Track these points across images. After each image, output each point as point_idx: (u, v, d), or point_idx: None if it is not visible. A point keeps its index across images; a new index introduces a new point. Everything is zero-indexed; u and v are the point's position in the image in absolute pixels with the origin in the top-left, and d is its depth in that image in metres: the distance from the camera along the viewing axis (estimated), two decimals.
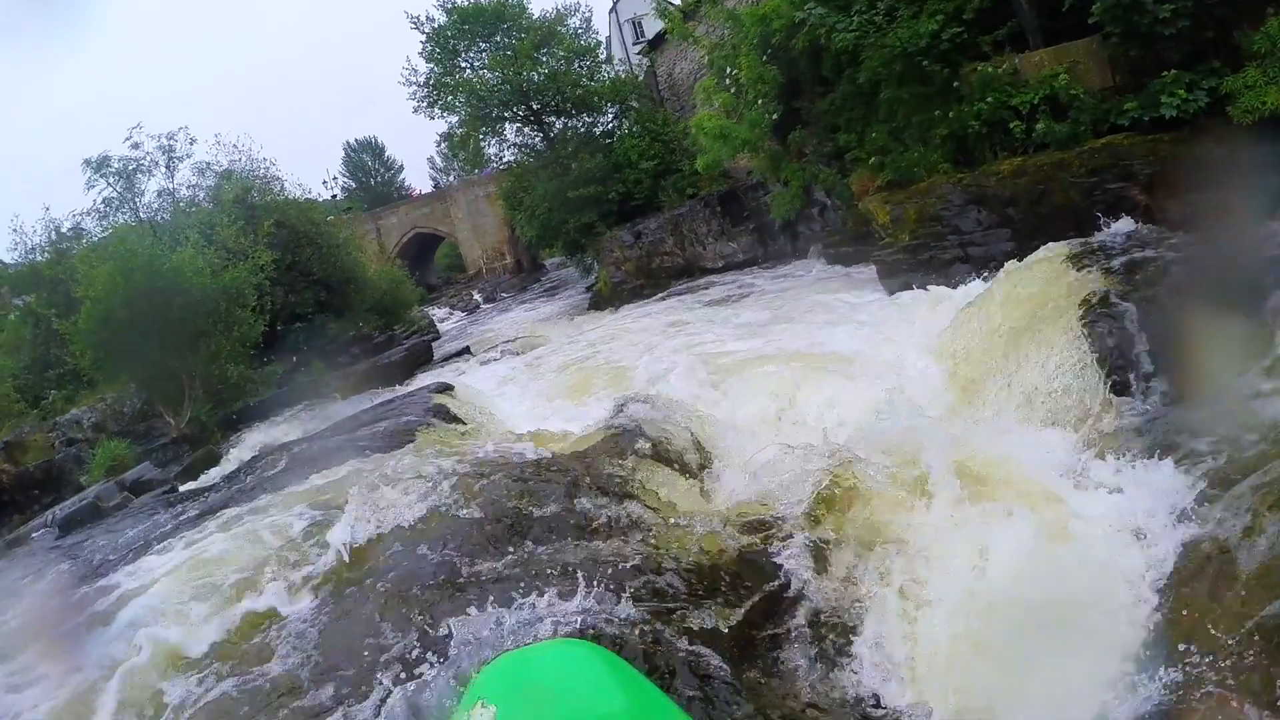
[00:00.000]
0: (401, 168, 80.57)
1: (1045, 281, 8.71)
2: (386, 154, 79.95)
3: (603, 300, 27.80)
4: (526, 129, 33.68)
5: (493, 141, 34.39)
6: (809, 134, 18.71)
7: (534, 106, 32.35)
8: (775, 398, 9.66)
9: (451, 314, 45.08)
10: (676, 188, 29.09)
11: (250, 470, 10.24)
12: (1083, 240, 9.63)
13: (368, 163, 79.76)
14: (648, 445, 7.21)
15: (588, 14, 33.70)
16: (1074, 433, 6.86)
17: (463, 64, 32.63)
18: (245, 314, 18.58)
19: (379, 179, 78.90)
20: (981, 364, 8.66)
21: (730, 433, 8.32)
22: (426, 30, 32.30)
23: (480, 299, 48.31)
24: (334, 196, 64.86)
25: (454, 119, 33.14)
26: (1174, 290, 7.34)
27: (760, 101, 18.71)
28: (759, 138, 19.08)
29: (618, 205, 30.02)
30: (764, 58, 18.64)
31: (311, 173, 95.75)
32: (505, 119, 33.08)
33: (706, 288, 22.93)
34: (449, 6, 31.95)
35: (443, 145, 34.66)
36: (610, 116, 33.60)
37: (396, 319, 31.60)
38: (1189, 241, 8.53)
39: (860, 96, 16.25)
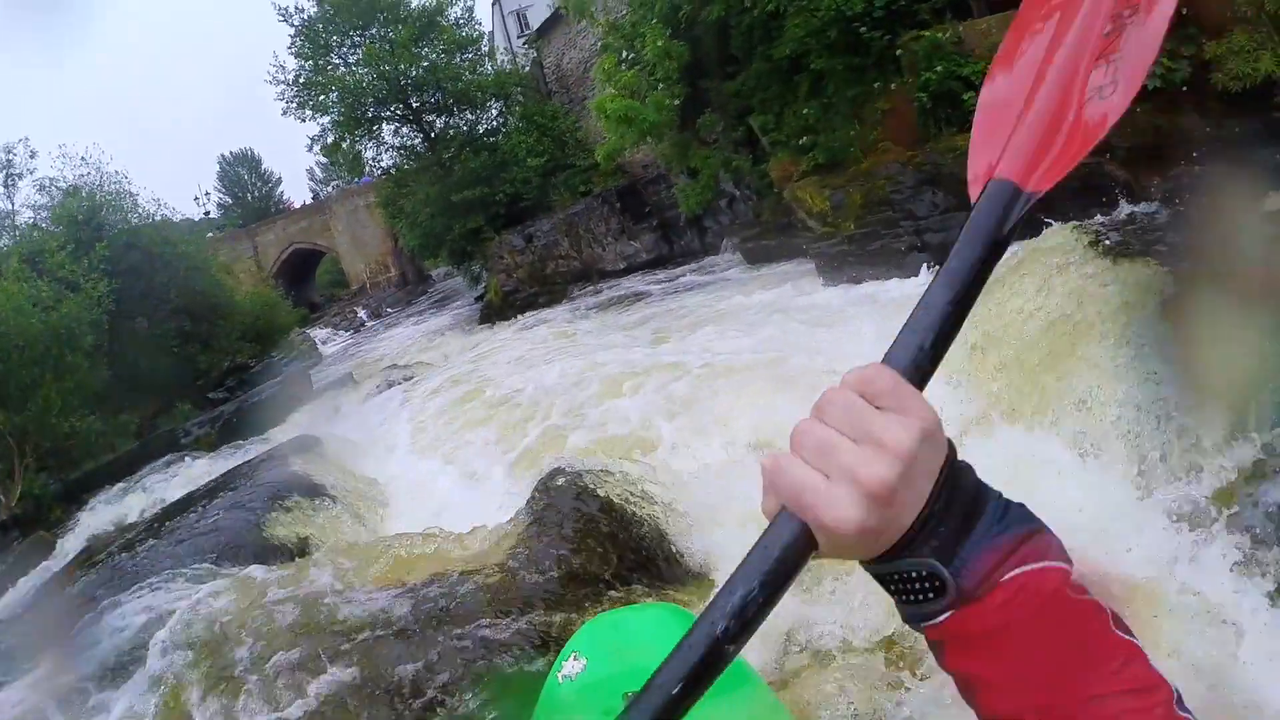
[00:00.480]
0: (279, 180, 75.65)
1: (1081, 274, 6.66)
2: (264, 166, 75.16)
3: (494, 312, 25.02)
4: (405, 129, 30.88)
5: (369, 145, 31.23)
6: (718, 118, 16.53)
7: (413, 104, 29.64)
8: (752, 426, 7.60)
9: (335, 334, 42.35)
10: (569, 185, 26.47)
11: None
12: (1091, 221, 8.21)
13: (244, 176, 74.81)
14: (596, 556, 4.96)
15: (469, 3, 31.01)
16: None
17: (335, 60, 29.57)
18: (78, 358, 15.62)
19: (256, 194, 73.84)
20: (1008, 376, 6.57)
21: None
22: (295, 23, 29.34)
23: (365, 316, 45.40)
24: (207, 214, 61.45)
25: (326, 120, 30.06)
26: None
27: (664, 84, 16.53)
28: (665, 123, 16.79)
29: (505, 207, 27.22)
30: (669, 34, 16.57)
31: (185, 189, 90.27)
32: (383, 119, 30.27)
33: (612, 291, 20.72)
34: None
35: (315, 150, 31.28)
36: (495, 113, 31.09)
37: (273, 345, 28.78)
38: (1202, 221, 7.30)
39: (776, 74, 14.37)
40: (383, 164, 31.66)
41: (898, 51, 12.25)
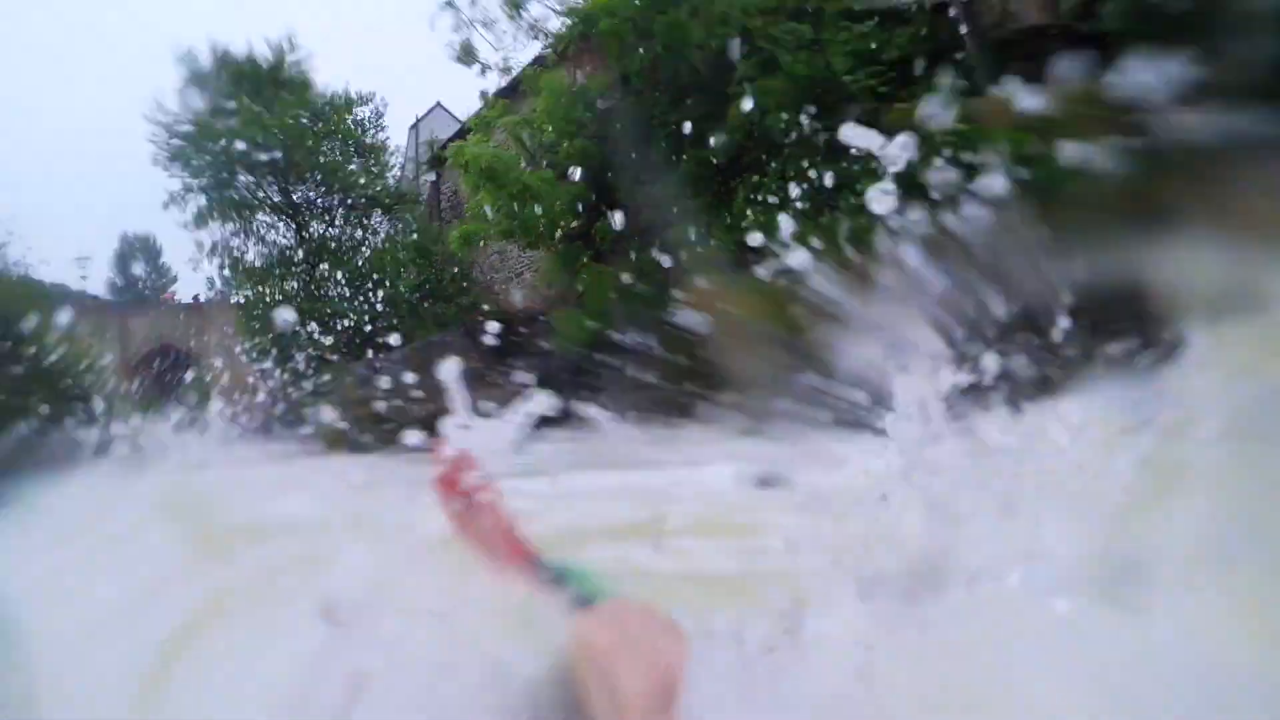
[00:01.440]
0: (176, 278, 68.32)
1: None
2: (162, 259, 68.71)
3: (331, 444, 19.13)
4: (280, 224, 26.23)
5: (249, 243, 26.52)
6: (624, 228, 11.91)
7: (291, 195, 25.18)
8: None
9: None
10: (439, 318, 21.66)
11: None
12: None
13: (141, 261, 68.17)
14: None
15: (380, 108, 27.01)
16: None
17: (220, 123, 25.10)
18: None
19: (149, 284, 67.33)
20: None
21: None
22: (189, 71, 25.12)
23: (221, 428, 38.81)
24: (83, 277, 55.75)
25: (189, 176, 25.33)
26: None
27: (568, 158, 12.00)
28: (556, 216, 12.01)
29: (368, 330, 22.25)
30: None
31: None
32: (256, 205, 25.61)
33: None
34: (220, 54, 24.96)
35: (171, 208, 26.33)
36: (380, 226, 26.53)
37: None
38: None
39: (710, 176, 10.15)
40: (248, 258, 26.84)
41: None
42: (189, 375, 50.79)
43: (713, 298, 9.59)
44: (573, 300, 13.36)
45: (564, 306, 13.74)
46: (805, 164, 8.93)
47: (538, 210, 12.06)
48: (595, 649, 0.89)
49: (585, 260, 12.27)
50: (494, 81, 15.43)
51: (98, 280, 65.90)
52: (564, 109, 12.21)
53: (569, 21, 13.20)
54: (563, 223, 12.16)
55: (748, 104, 8.89)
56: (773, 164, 9.47)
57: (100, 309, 47.62)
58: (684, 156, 10.89)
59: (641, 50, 11.21)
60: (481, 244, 20.81)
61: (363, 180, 25.49)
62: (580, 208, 12.23)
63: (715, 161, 10.38)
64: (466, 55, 13.98)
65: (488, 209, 12.58)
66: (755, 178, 9.51)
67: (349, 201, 25.51)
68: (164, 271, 68.75)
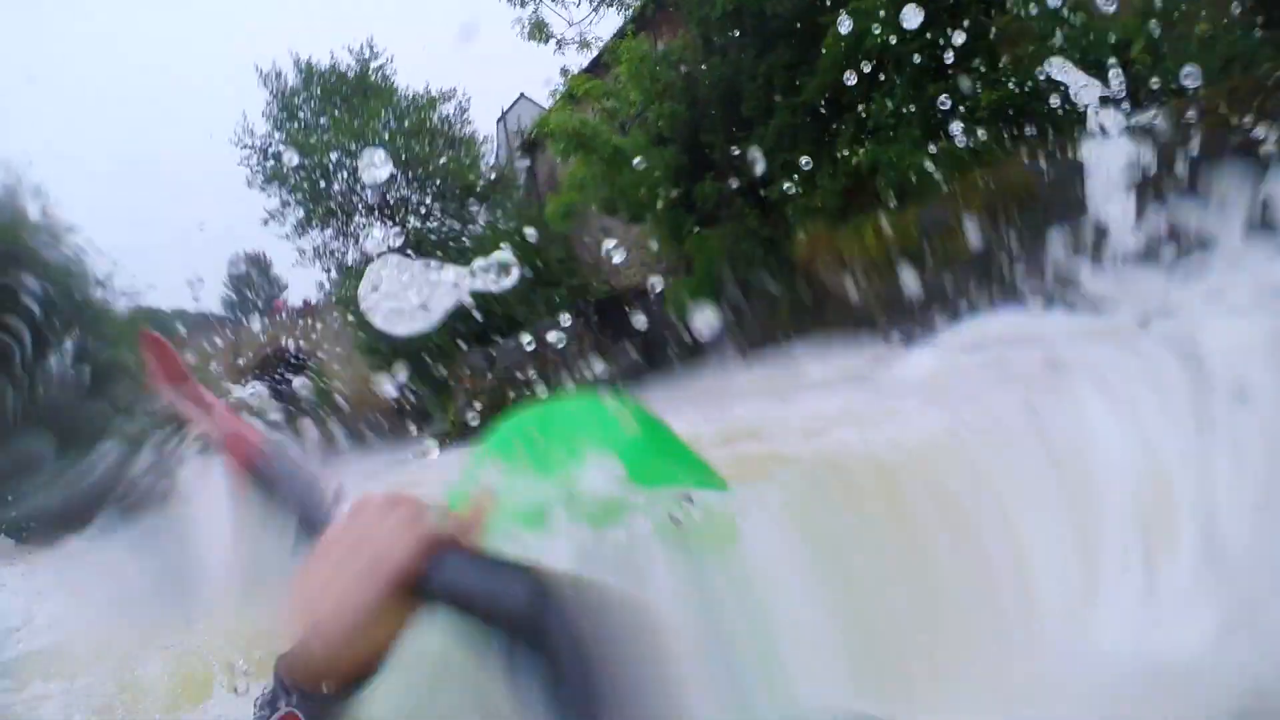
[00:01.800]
0: (287, 286, 71.22)
1: None
2: (273, 270, 70.98)
3: (453, 442, 18.97)
4: (379, 226, 26.48)
5: (341, 240, 26.84)
6: (723, 189, 11.31)
7: (387, 197, 25.33)
8: None
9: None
10: (549, 302, 21.34)
11: None
12: None
13: (253, 277, 70.20)
14: None
15: (464, 103, 26.89)
16: None
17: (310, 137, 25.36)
18: None
19: (261, 295, 69.51)
20: None
21: None
22: (274, 89, 25.30)
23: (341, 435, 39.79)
24: (196, 299, 57.97)
25: (288, 194, 25.70)
26: None
27: (660, 122, 11.49)
28: (655, 183, 11.55)
29: (479, 320, 22.11)
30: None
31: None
32: (354, 210, 25.87)
33: None
34: (303, 66, 25.12)
35: (272, 224, 26.81)
36: (478, 216, 26.41)
37: None
38: None
39: (806, 126, 9.82)
40: (351, 259, 27.17)
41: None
42: (302, 377, 52.28)
43: (825, 244, 9.07)
44: (682, 269, 12.91)
45: (674, 275, 13.31)
46: (915, 88, 8.26)
47: (634, 176, 11.53)
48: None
49: (691, 227, 11.70)
50: (571, 58, 14.94)
51: (213, 299, 68.42)
52: (648, 72, 11.63)
53: None
54: (662, 190, 11.65)
55: (845, 25, 8.23)
56: (875, 95, 8.76)
57: (214, 325, 49.05)
58: (777, 106, 10.29)
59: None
60: (584, 220, 20.44)
61: (455, 171, 25.32)
62: (674, 176, 11.73)
63: (811, 105, 9.73)
64: (538, 31, 13.40)
65: (582, 179, 12.08)
66: (861, 109, 8.81)
67: (444, 193, 25.48)
68: (275, 282, 70.61)
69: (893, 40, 8.08)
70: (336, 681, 0.76)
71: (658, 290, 15.63)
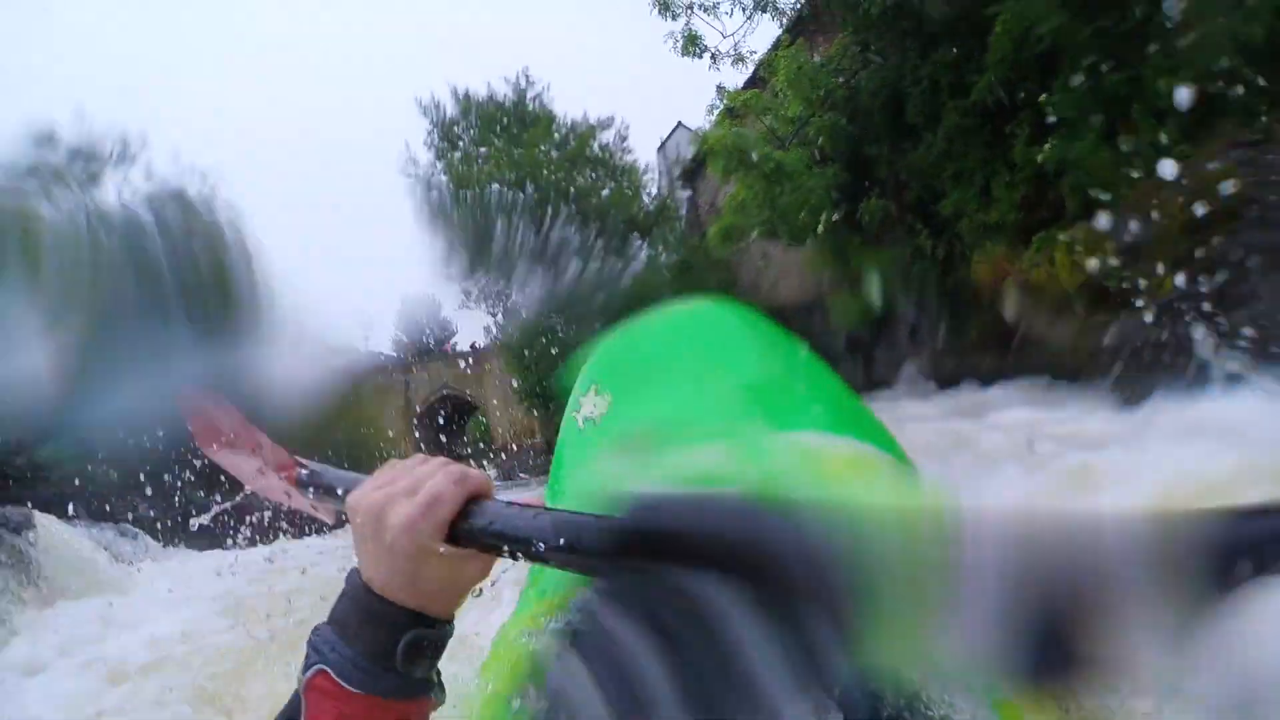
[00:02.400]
0: (456, 330, 73.64)
1: None
2: (442, 314, 73.40)
3: None
4: (538, 267, 26.47)
5: (504, 283, 26.99)
6: (888, 205, 10.38)
7: (547, 234, 25.30)
8: None
9: None
10: None
11: None
12: None
13: (422, 320, 73.16)
14: None
15: (624, 130, 26.65)
16: None
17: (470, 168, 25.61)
18: None
19: (431, 337, 71.98)
20: None
21: None
22: (433, 118, 25.87)
23: (492, 475, 39.93)
24: (366, 338, 59.91)
25: (449, 234, 26.01)
26: None
27: (820, 138, 10.68)
28: (816, 204, 10.70)
29: None
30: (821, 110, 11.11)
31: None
32: (516, 253, 25.94)
33: None
34: (462, 97, 25.47)
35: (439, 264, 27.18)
36: (640, 252, 26.05)
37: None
38: None
39: (976, 130, 8.89)
40: (514, 300, 27.27)
41: None
42: (469, 420, 53.66)
43: (1006, 265, 8.05)
44: (845, 286, 12.05)
45: (837, 292, 12.47)
46: (1099, 71, 7.10)
47: (795, 197, 10.73)
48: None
49: (857, 247, 10.84)
50: (727, 74, 14.29)
51: (384, 339, 71.10)
52: (807, 81, 10.87)
53: None
54: (824, 213, 10.85)
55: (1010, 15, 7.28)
56: (1056, 84, 7.65)
57: (387, 367, 50.61)
58: (944, 108, 9.35)
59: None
60: (744, 244, 19.72)
61: (618, 203, 25.05)
62: (837, 195, 10.90)
63: (981, 104, 8.74)
64: (691, 45, 12.71)
65: (743, 200, 11.35)
66: (1042, 99, 7.72)
67: (606, 229, 25.22)
68: (445, 325, 72.71)
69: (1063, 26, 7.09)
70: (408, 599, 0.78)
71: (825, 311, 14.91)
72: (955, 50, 9.17)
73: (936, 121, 9.58)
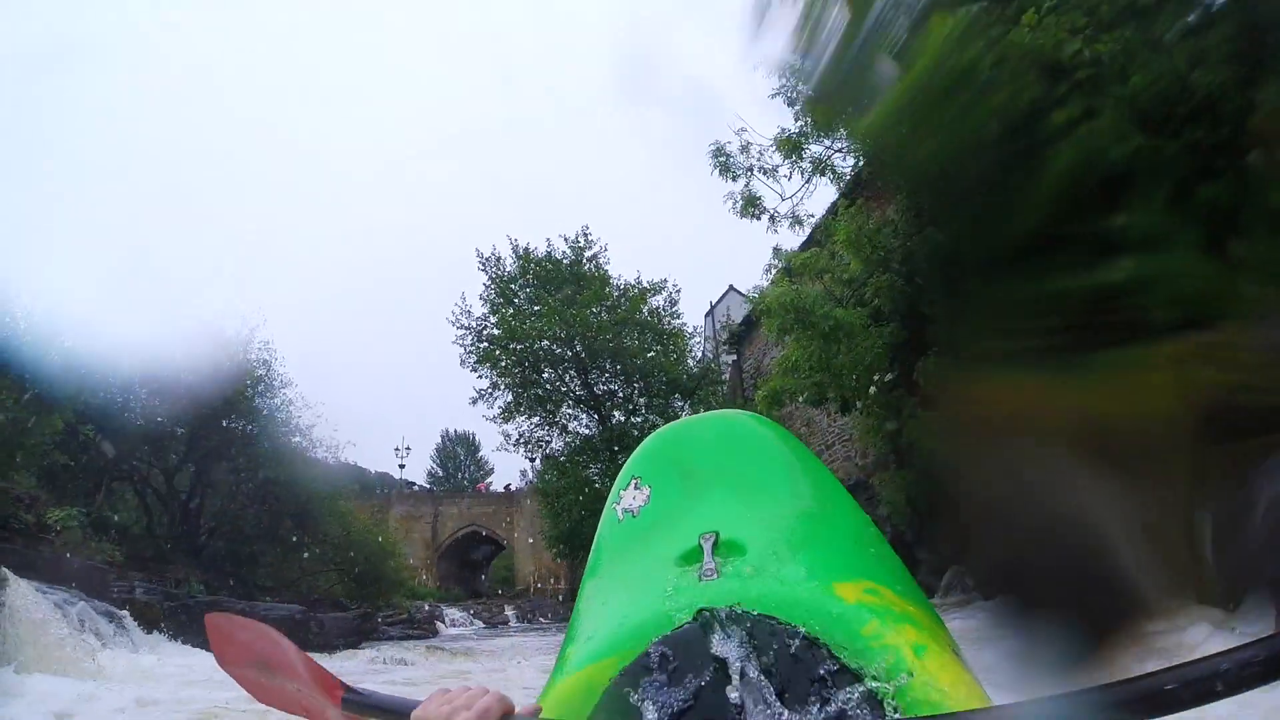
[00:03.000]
0: (492, 470, 73.10)
1: None
2: (480, 453, 73.00)
3: None
4: (583, 415, 26.24)
5: (546, 429, 26.67)
6: (948, 364, 9.96)
7: (594, 388, 25.19)
8: None
9: (470, 620, 36.25)
10: None
11: None
12: None
13: (460, 456, 73.55)
14: None
15: (674, 294, 26.75)
16: None
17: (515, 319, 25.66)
18: None
19: (466, 475, 71.62)
20: None
21: None
22: (491, 272, 25.96)
23: (512, 615, 39.17)
24: (402, 466, 59.57)
25: (501, 381, 25.91)
26: None
27: (877, 298, 10.41)
28: (871, 363, 10.35)
29: None
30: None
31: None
32: (561, 397, 25.80)
33: None
34: (521, 253, 25.80)
35: (479, 405, 26.85)
36: (682, 411, 25.76)
37: (379, 595, 25.40)
38: None
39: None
40: (553, 446, 26.94)
41: None
42: (492, 559, 52.76)
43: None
44: (892, 463, 11.50)
45: (884, 472, 11.86)
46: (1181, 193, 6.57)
47: (851, 356, 10.32)
48: None
49: (911, 410, 10.31)
50: (784, 236, 14.25)
51: (419, 471, 70.99)
52: (866, 241, 10.68)
53: (852, 158, 11.84)
54: (877, 375, 10.45)
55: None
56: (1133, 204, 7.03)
57: (417, 497, 50.30)
58: (1002, 272, 9.01)
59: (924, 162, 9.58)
60: (788, 406, 19.26)
61: (662, 365, 24.96)
62: (894, 354, 10.52)
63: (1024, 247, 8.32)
64: (750, 206, 12.69)
65: (795, 360, 10.96)
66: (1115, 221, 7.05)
67: (650, 388, 25.11)
68: (481, 464, 72.65)
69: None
70: None
71: (870, 495, 14.30)
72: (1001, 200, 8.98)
73: (996, 280, 9.31)
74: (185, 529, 19.76)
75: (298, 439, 22.52)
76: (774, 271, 12.80)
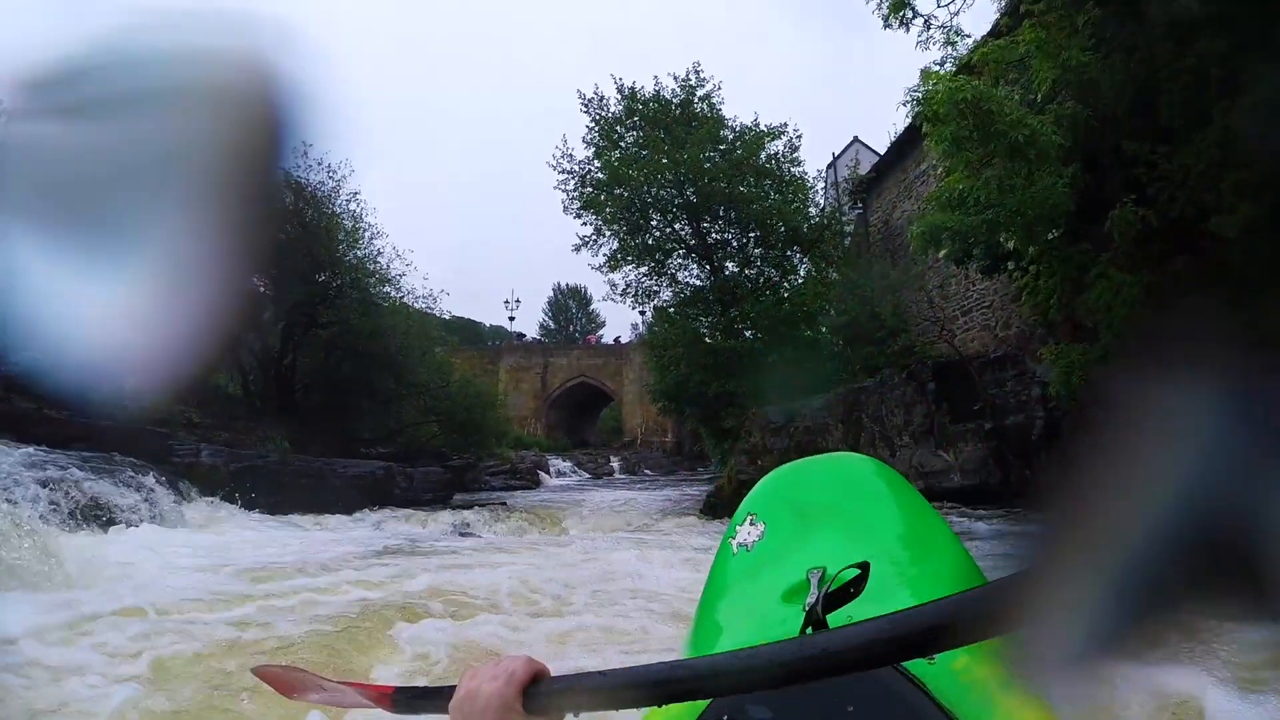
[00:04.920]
0: (604, 323, 72.41)
1: None
2: (591, 306, 72.44)
3: (720, 504, 15.55)
4: (692, 264, 24.27)
5: (655, 280, 24.78)
6: (1147, 214, 7.51)
7: (705, 235, 23.17)
8: None
9: (576, 472, 36.37)
10: (868, 362, 17.88)
11: None
12: None
13: (571, 309, 73.23)
14: None
15: (795, 139, 24.05)
16: None
17: (627, 166, 23.50)
18: None
19: (578, 327, 71.21)
20: None
21: None
22: (595, 114, 23.79)
23: (617, 466, 39.14)
24: (511, 318, 59.28)
25: (606, 230, 24.05)
26: None
27: (1056, 131, 7.89)
28: (1057, 202, 7.94)
29: (782, 375, 19.16)
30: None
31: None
32: (669, 247, 23.86)
33: None
34: (626, 93, 23.52)
35: (582, 252, 24.95)
36: (800, 264, 23.59)
37: (481, 446, 25.00)
38: None
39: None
40: (661, 297, 25.08)
41: None
42: (601, 411, 52.89)
43: None
44: (1066, 331, 9.20)
45: (1052, 340, 9.58)
46: None
47: (1033, 193, 7.88)
48: None
49: (1101, 269, 7.94)
50: (936, 54, 11.40)
51: (531, 323, 70.88)
52: (1056, 47, 8.07)
53: None
54: (1060, 222, 8.16)
55: None
56: None
57: (527, 348, 50.14)
58: (1214, 110, 6.75)
59: None
60: (927, 266, 16.98)
61: (781, 213, 22.64)
62: (1080, 200, 8.14)
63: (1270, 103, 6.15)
64: (897, 10, 9.95)
65: (962, 191, 8.42)
66: None
67: (766, 239, 22.90)
68: (593, 317, 72.25)
69: None
70: None
71: (1017, 369, 12.07)
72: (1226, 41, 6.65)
73: (1202, 124, 7.04)
74: (279, 387, 19.32)
75: (388, 289, 21.65)
76: (918, 96, 9.99)
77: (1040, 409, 11.73)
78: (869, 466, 2.04)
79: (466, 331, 64.28)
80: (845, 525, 1.78)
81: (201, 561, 7.63)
